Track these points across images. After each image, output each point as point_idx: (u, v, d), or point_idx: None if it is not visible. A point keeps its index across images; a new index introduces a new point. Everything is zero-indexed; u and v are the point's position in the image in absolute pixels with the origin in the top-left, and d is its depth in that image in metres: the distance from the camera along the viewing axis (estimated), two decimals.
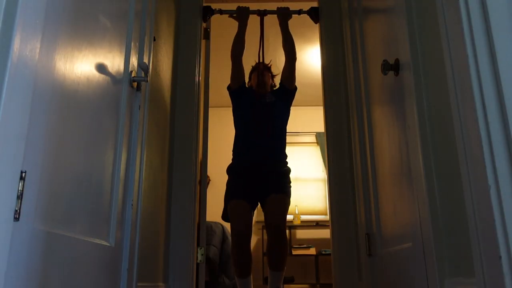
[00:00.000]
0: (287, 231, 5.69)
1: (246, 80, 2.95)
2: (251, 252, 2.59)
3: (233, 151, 2.81)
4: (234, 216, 2.58)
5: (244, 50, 2.83)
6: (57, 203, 1.03)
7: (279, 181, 2.66)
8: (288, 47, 2.83)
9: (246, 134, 2.76)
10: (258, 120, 2.72)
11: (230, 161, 2.81)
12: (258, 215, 5.93)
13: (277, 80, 2.96)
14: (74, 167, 1.14)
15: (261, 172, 2.66)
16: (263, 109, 2.74)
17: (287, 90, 2.81)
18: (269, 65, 2.99)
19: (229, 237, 4.13)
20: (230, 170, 2.78)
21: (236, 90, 2.81)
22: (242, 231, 2.53)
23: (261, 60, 2.93)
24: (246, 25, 2.87)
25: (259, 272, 5.49)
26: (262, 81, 2.83)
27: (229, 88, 2.87)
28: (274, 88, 2.95)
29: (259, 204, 2.71)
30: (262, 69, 2.88)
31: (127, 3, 1.63)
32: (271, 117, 2.74)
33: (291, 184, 2.73)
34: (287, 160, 2.77)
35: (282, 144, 2.77)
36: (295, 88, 2.85)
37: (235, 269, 2.59)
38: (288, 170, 2.75)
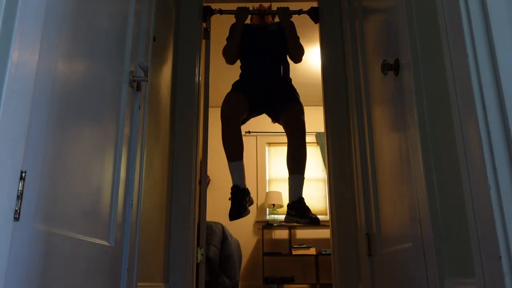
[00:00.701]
0: (287, 231, 5.70)
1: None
2: (241, 135, 2.59)
3: (239, 75, 2.87)
4: (225, 104, 2.63)
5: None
6: (57, 203, 1.03)
7: (290, 91, 2.73)
8: (295, 51, 2.85)
9: (250, 57, 2.83)
10: (261, 44, 2.81)
11: None
12: (258, 215, 5.94)
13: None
14: (74, 167, 1.14)
15: (267, 85, 2.72)
16: (265, 36, 2.83)
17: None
18: (269, 6, 3.06)
19: (229, 237, 4.13)
20: (236, 83, 2.83)
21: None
22: (231, 116, 2.56)
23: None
24: (242, 27, 2.88)
25: (259, 272, 5.49)
26: (262, 21, 2.94)
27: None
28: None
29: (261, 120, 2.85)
30: (262, 11, 2.97)
31: (127, 3, 1.63)
32: (273, 42, 2.82)
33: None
34: (292, 84, 2.83)
35: (285, 65, 2.83)
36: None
37: (226, 154, 2.58)
38: (294, 87, 2.80)
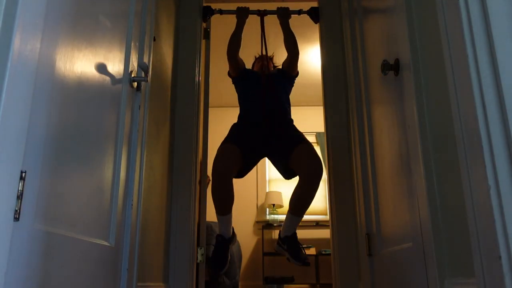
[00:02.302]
0: None
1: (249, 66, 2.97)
2: (232, 190, 2.45)
3: (238, 116, 2.76)
4: (218, 157, 2.45)
5: (244, 49, 2.84)
6: (57, 203, 1.03)
7: (294, 134, 2.60)
8: (290, 46, 2.83)
9: (250, 99, 2.74)
10: (261, 88, 2.71)
11: None
12: (258, 215, 5.94)
13: (278, 61, 3.00)
14: (75, 167, 1.14)
15: (270, 130, 2.61)
16: (266, 78, 2.75)
17: (289, 74, 2.83)
18: (272, 56, 3.03)
19: None
20: (233, 126, 2.72)
21: (238, 76, 2.83)
22: (222, 172, 2.39)
23: (264, 54, 2.94)
24: (243, 25, 2.88)
25: (259, 272, 5.49)
26: (265, 66, 2.86)
27: (229, 74, 2.88)
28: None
29: (259, 161, 2.69)
30: (265, 59, 2.90)
31: (127, 3, 1.63)
32: (274, 83, 2.74)
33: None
34: (294, 125, 2.73)
35: (287, 108, 2.74)
36: (297, 74, 2.86)
37: (215, 206, 2.45)
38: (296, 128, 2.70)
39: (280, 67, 2.91)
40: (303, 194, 2.45)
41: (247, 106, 2.74)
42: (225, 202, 2.42)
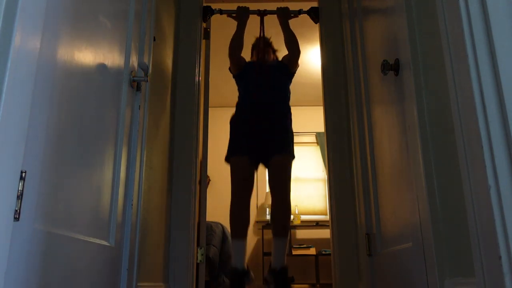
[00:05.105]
0: None
1: (248, 57, 2.96)
2: (249, 211, 2.52)
3: (236, 106, 2.79)
4: (234, 172, 2.55)
5: (244, 49, 2.84)
6: (57, 203, 1.03)
7: (282, 137, 2.63)
8: (291, 46, 2.83)
9: (249, 90, 2.76)
10: (260, 79, 2.73)
11: None
12: (258, 214, 5.94)
13: (279, 56, 2.98)
14: (74, 167, 1.14)
15: (264, 124, 2.63)
16: (265, 69, 2.76)
17: (289, 70, 2.83)
18: (270, 40, 3.01)
19: (229, 237, 4.13)
20: (233, 121, 2.75)
21: (239, 73, 2.84)
22: (241, 186, 2.50)
23: (260, 36, 2.95)
24: (245, 25, 2.87)
25: (259, 272, 5.49)
26: (263, 58, 2.86)
27: (230, 70, 2.89)
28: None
29: (259, 166, 2.71)
30: (263, 46, 2.90)
31: (127, 3, 1.63)
32: (272, 74, 2.75)
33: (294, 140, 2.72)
34: (291, 117, 2.75)
35: (286, 97, 2.76)
36: (296, 70, 2.87)
37: (231, 228, 2.49)
38: (291, 128, 2.72)
39: (280, 54, 2.92)
40: (277, 213, 2.49)
41: (244, 97, 2.78)
42: (242, 222, 2.47)
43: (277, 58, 2.98)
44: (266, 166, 2.65)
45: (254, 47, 2.97)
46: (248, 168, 2.56)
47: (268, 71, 2.75)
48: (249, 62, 2.90)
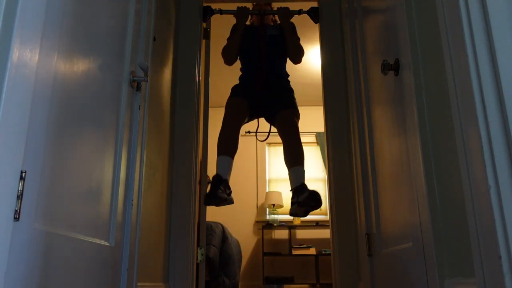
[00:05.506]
0: (287, 231, 5.70)
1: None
2: (238, 139, 2.57)
3: (239, 78, 2.88)
4: (228, 110, 2.64)
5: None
6: (57, 203, 1.03)
7: (287, 96, 2.72)
8: (293, 57, 2.84)
9: (249, 59, 2.83)
10: (259, 46, 2.80)
11: None
12: (258, 215, 5.94)
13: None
14: (74, 167, 1.14)
15: (264, 87, 2.71)
16: (264, 38, 2.83)
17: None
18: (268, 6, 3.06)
19: (229, 237, 4.13)
20: (235, 86, 2.82)
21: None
22: (231, 123, 2.57)
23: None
24: (243, 27, 2.87)
25: (259, 272, 5.49)
26: (262, 23, 2.92)
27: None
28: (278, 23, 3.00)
29: (259, 121, 2.82)
30: (263, 11, 2.95)
31: (127, 3, 1.63)
32: (273, 45, 2.82)
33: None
34: (289, 79, 2.83)
35: (282, 63, 2.84)
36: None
37: (218, 148, 2.53)
38: (290, 87, 2.80)
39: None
40: (289, 147, 2.53)
41: (246, 71, 2.85)
42: (229, 143, 2.52)
43: (276, 21, 3.02)
44: (272, 122, 2.74)
45: (253, 11, 3.02)
46: (244, 108, 2.64)
47: (270, 40, 2.83)
48: (248, 26, 2.94)
